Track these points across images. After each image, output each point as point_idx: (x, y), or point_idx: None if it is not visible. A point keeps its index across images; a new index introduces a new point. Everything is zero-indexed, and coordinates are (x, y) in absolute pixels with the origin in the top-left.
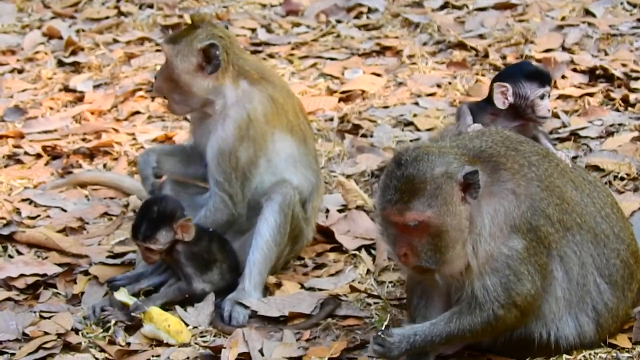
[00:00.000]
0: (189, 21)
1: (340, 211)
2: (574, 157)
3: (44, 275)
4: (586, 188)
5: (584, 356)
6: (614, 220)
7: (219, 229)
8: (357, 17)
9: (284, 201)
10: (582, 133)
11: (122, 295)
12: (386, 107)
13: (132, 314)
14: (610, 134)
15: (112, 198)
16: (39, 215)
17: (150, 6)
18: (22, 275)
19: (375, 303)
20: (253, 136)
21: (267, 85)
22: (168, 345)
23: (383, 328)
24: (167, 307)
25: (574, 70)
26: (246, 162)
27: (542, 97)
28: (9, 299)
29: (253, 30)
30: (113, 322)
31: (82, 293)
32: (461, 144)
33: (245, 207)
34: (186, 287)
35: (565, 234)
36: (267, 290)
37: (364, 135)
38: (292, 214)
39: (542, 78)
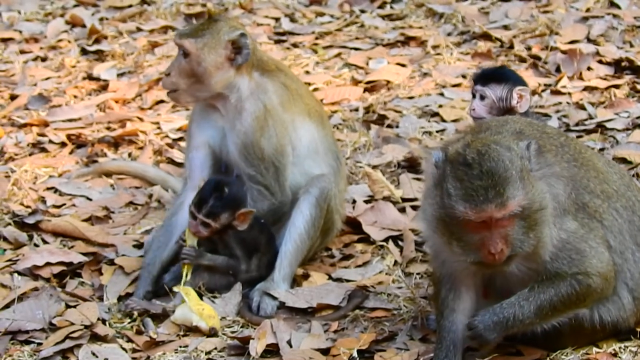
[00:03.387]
0: (212, 10)
1: (367, 202)
2: (601, 149)
3: (70, 264)
4: (602, 158)
5: (613, 349)
6: (634, 188)
7: (265, 219)
8: (380, 7)
9: (321, 195)
10: (608, 125)
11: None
12: (411, 98)
13: (175, 288)
14: (637, 125)
15: (137, 187)
16: (64, 204)
17: None
18: (47, 264)
19: (403, 294)
20: (273, 126)
21: (279, 74)
22: (196, 333)
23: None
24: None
25: (600, 62)
26: (272, 152)
27: (473, 95)
28: (35, 288)
29: (277, 19)
30: (137, 313)
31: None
32: (500, 130)
33: (287, 195)
34: (234, 264)
35: (609, 202)
36: (295, 282)
37: (389, 126)
38: (328, 207)
39: (475, 78)
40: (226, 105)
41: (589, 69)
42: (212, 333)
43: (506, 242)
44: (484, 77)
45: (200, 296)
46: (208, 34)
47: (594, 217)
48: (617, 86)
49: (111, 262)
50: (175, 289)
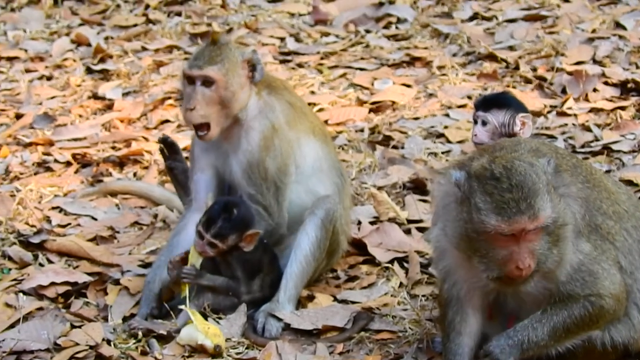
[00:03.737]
0: (217, 29)
1: (372, 223)
2: (607, 171)
3: (75, 284)
4: (610, 179)
5: None
6: None
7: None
8: (386, 27)
9: (326, 216)
10: (614, 147)
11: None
12: (417, 119)
13: (180, 306)
14: None
15: (142, 207)
16: (69, 224)
17: (179, 14)
18: (53, 284)
19: (408, 316)
20: (279, 145)
21: (284, 92)
22: (202, 354)
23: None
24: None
25: (605, 83)
26: (276, 172)
27: (475, 121)
28: (40, 308)
29: (282, 39)
30: (141, 333)
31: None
32: (516, 149)
33: (284, 217)
34: (234, 286)
35: (620, 223)
36: (300, 303)
37: (394, 147)
38: (333, 229)
39: (476, 104)
40: (233, 126)
41: (594, 90)
42: (217, 351)
43: (533, 257)
44: (486, 103)
45: (205, 317)
46: (226, 58)
47: (607, 239)
48: (623, 108)
49: (116, 282)
50: (181, 307)
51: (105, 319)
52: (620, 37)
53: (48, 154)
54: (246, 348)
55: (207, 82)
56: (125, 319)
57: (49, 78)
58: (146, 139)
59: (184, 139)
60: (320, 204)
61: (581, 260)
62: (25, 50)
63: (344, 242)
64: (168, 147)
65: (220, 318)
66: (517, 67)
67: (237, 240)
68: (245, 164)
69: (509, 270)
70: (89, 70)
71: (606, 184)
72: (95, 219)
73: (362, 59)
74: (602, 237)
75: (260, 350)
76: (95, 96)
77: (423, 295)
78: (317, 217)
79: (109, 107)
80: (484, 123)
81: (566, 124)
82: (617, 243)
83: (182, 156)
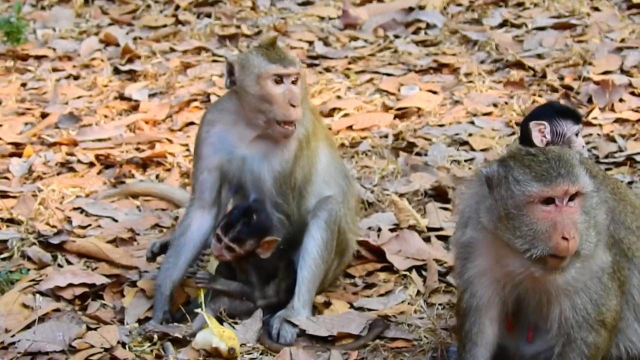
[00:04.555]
0: (246, 32)
1: (392, 230)
2: (630, 183)
3: (93, 285)
4: (632, 193)
5: None
6: None
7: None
8: (415, 32)
9: (329, 217)
10: (638, 158)
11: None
12: (441, 126)
13: (196, 310)
14: None
15: (163, 209)
16: (89, 225)
17: (208, 15)
18: (70, 286)
19: (424, 325)
20: (307, 154)
21: (306, 96)
22: (216, 359)
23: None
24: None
25: (632, 93)
26: (302, 181)
27: (577, 134)
28: (57, 309)
29: (310, 43)
30: (156, 336)
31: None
32: (542, 150)
33: (303, 224)
34: (248, 290)
35: None
36: (316, 309)
37: (418, 154)
38: (338, 229)
39: (575, 116)
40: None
41: (620, 100)
42: (231, 354)
43: (576, 230)
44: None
45: (221, 321)
46: (293, 58)
47: (626, 254)
48: None
49: (133, 285)
50: (197, 310)
51: (121, 321)
52: None
53: (71, 154)
54: (261, 354)
55: (295, 80)
56: (140, 322)
57: (76, 77)
58: (170, 141)
59: None
60: (322, 206)
61: (602, 268)
62: (54, 49)
63: (352, 241)
64: None
65: (236, 323)
66: (544, 76)
67: (255, 246)
68: (278, 172)
69: (555, 243)
70: (117, 71)
71: (631, 199)
72: (116, 221)
73: (389, 64)
74: (622, 251)
75: (274, 356)
76: (121, 97)
77: (440, 304)
78: (320, 219)
79: (135, 108)
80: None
81: (591, 134)
82: (635, 260)
83: None
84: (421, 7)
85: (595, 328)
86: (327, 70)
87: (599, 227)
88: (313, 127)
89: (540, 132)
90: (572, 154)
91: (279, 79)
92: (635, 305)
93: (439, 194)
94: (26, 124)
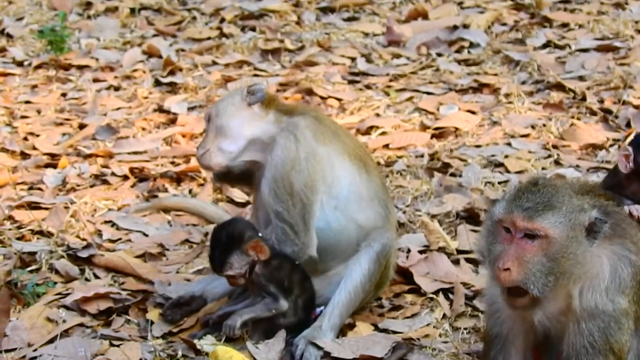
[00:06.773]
0: (289, 46)
1: (421, 252)
2: None
3: (118, 301)
4: None
5: None
6: None
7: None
8: (458, 51)
9: (382, 251)
10: None
11: (207, 342)
12: (478, 146)
13: (198, 346)
14: None
15: (194, 225)
16: (119, 239)
17: (253, 29)
18: (95, 300)
19: (447, 349)
20: (305, 158)
21: (311, 111)
22: None
23: None
24: (242, 338)
25: None
26: (302, 187)
27: None
28: (81, 324)
29: (353, 59)
30: (180, 352)
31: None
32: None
33: (312, 238)
34: (273, 303)
35: None
36: (340, 331)
37: (452, 174)
38: (386, 263)
39: None
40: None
41: None
42: None
43: (519, 265)
44: None
45: (244, 340)
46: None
47: None
48: None
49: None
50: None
51: (145, 337)
52: None
53: (106, 167)
54: None
55: None
56: (164, 337)
57: (117, 89)
58: None
59: None
60: (378, 237)
61: (613, 310)
62: (97, 59)
63: (391, 274)
64: None
65: (258, 343)
66: (584, 98)
67: (245, 258)
68: (270, 178)
69: (495, 268)
70: (157, 83)
71: None
72: (147, 235)
73: (430, 82)
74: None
75: None
76: (160, 109)
77: (465, 328)
78: (373, 250)
79: (173, 121)
80: None
81: None
82: None
83: None
84: (465, 26)
85: (603, 353)
86: (368, 87)
87: (569, 275)
88: (315, 133)
89: (625, 158)
90: (572, 200)
91: None
92: None
93: (471, 216)
94: (64, 134)
